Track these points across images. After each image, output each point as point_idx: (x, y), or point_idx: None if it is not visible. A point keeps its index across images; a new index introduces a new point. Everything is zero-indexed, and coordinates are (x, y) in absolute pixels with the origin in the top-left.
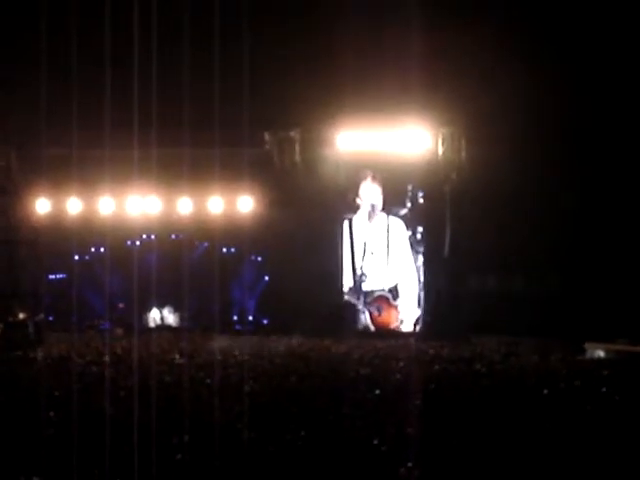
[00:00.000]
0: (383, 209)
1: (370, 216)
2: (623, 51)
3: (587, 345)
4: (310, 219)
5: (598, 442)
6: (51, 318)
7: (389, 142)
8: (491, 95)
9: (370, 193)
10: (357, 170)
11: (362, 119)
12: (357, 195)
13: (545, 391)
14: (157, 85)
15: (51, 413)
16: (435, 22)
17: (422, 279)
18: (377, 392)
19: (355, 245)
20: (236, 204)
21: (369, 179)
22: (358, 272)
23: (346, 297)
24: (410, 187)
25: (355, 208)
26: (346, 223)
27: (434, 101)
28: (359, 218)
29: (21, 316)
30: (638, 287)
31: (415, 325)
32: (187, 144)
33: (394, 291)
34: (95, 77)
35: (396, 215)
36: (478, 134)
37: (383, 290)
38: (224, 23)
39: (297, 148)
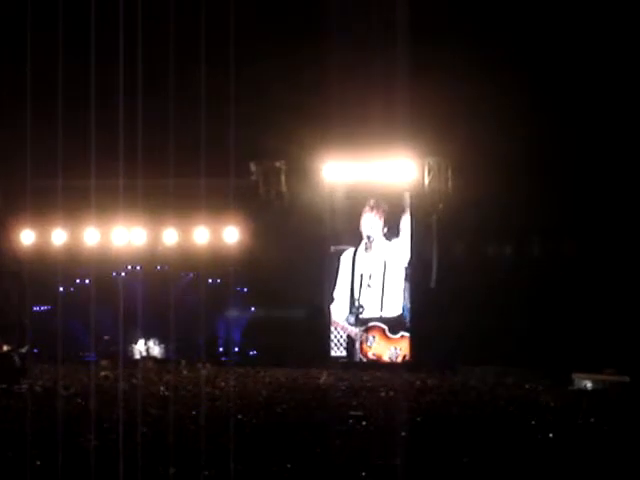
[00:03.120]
0: (379, 239)
1: (367, 247)
2: (611, 80)
3: (574, 375)
4: (296, 249)
5: (588, 472)
6: (36, 350)
7: (375, 172)
8: (477, 125)
9: (367, 224)
10: (347, 201)
11: (348, 149)
12: (354, 226)
13: (533, 422)
14: (142, 116)
15: (36, 446)
16: (421, 53)
17: (410, 310)
18: (364, 423)
19: (352, 276)
20: (222, 235)
21: (367, 210)
22: (355, 303)
23: (342, 327)
24: (397, 217)
25: (346, 239)
26: (346, 254)
27: (420, 131)
28: (356, 249)
29: (5, 348)
30: (624, 318)
31: (404, 356)
32: (172, 175)
33: (392, 323)
34: (80, 108)
35: (392, 245)
36: (464, 164)
37: (380, 320)
38: (210, 54)
39: (283, 178)
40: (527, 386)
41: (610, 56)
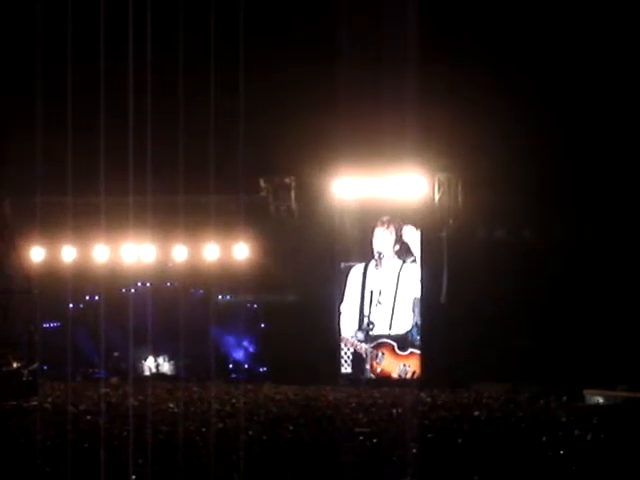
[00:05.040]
0: (390, 256)
1: (377, 263)
2: (617, 96)
3: (586, 392)
4: (306, 265)
5: None
6: (46, 367)
7: (385, 188)
8: (487, 141)
9: (378, 240)
10: (356, 217)
11: (358, 165)
12: (364, 242)
13: (544, 438)
14: (152, 133)
15: (47, 464)
16: (430, 69)
17: (420, 326)
18: (374, 441)
19: (362, 292)
20: (231, 251)
21: (378, 226)
22: (365, 320)
23: (352, 343)
24: (408, 234)
25: (356, 255)
26: (355, 270)
27: (430, 147)
28: (366, 265)
29: (15, 365)
30: (636, 334)
31: (413, 373)
32: (182, 191)
33: (401, 340)
34: (90, 125)
35: (403, 262)
36: (474, 179)
37: (388, 337)
38: (219, 71)
39: (292, 194)
40: (538, 402)
41: (621, 72)
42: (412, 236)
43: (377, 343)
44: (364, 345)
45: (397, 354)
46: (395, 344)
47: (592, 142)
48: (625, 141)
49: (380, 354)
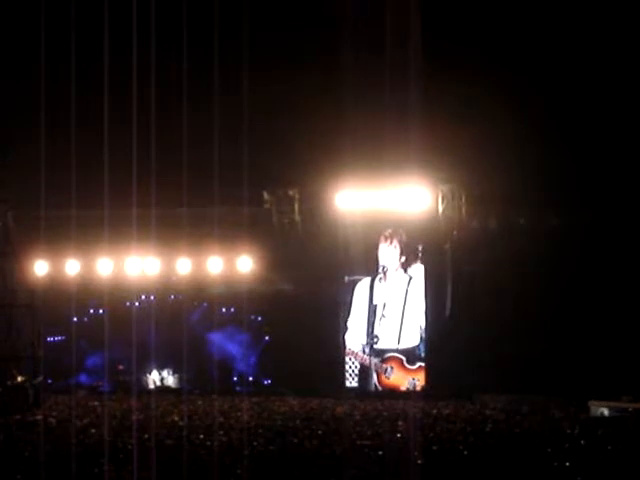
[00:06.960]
0: (395, 269)
1: (382, 277)
2: (623, 106)
3: (591, 403)
4: (310, 278)
5: None
6: (50, 381)
7: (388, 201)
8: (490, 152)
9: (383, 254)
10: (360, 229)
11: (361, 177)
12: (368, 255)
13: (549, 450)
14: (156, 145)
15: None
16: (434, 80)
17: (425, 338)
18: (380, 453)
19: (367, 306)
20: (235, 264)
21: (382, 240)
22: (370, 333)
23: (359, 357)
24: (412, 246)
25: (360, 268)
26: (362, 284)
27: (434, 159)
28: (373, 279)
29: (19, 379)
30: None
31: (422, 387)
32: (185, 204)
33: (410, 354)
34: (93, 137)
35: (410, 276)
36: (478, 191)
37: (397, 351)
38: (222, 83)
39: (296, 207)
40: (543, 414)
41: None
42: (416, 249)
43: (385, 357)
44: (372, 359)
45: (406, 368)
46: (404, 358)
47: (599, 152)
48: (635, 152)
49: (389, 368)
